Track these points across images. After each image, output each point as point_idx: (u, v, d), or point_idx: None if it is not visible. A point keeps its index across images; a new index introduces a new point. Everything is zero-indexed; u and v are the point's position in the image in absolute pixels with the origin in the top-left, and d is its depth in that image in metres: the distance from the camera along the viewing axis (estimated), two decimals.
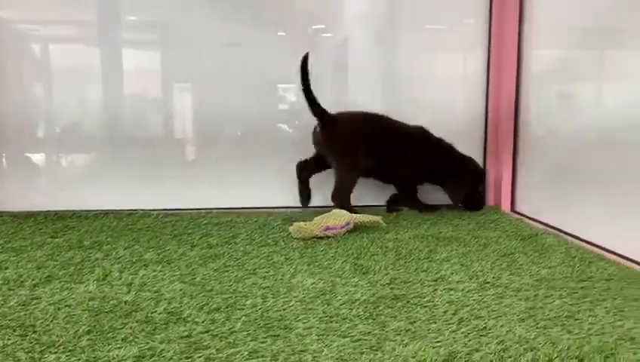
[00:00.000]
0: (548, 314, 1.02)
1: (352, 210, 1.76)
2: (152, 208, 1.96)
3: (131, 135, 2.04)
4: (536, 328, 0.96)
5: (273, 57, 2.08)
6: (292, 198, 2.02)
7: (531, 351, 0.86)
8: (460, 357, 0.84)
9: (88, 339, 0.89)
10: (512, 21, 2.00)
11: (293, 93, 2.13)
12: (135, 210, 1.94)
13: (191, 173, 2.06)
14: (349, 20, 2.18)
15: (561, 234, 1.65)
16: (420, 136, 1.98)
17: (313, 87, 1.86)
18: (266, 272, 1.27)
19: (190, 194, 2.04)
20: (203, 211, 1.95)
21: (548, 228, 1.73)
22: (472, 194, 2.01)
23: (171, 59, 2.09)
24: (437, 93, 2.16)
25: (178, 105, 2.11)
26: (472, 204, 2.01)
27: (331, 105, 1.97)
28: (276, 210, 2.00)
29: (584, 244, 1.53)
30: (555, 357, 0.84)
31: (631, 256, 1.37)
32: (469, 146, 2.12)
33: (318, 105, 1.86)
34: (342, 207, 1.74)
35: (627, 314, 1.02)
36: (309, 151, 2.04)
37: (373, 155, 1.90)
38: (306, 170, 1.97)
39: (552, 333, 0.94)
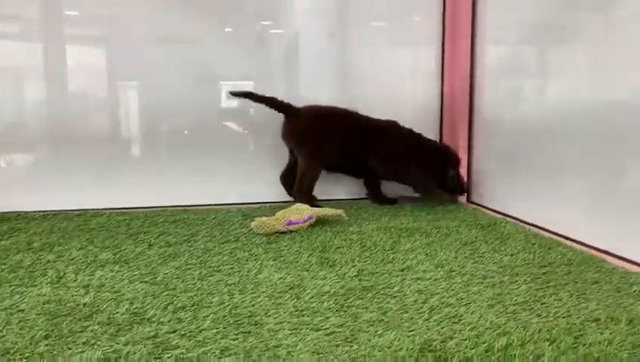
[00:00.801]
0: (515, 300, 1.04)
1: (313, 203, 1.74)
2: (103, 207, 1.87)
3: (76, 134, 1.94)
4: (506, 313, 0.97)
5: (221, 54, 2.04)
6: (247, 195, 1.99)
7: (504, 335, 0.87)
8: (436, 345, 0.84)
9: (46, 345, 0.83)
10: (465, 17, 2.04)
11: (242, 89, 2.08)
12: (85, 209, 1.85)
13: (140, 171, 1.99)
14: (299, 15, 2.15)
15: (518, 222, 1.69)
16: (389, 130, 1.97)
17: (265, 82, 1.83)
18: (231, 269, 1.24)
19: (141, 192, 1.97)
20: (158, 209, 1.88)
21: (505, 217, 1.76)
22: (446, 179, 1.98)
23: (116, 56, 2.00)
24: (392, 88, 2.16)
25: (124, 103, 2.03)
26: (450, 188, 1.99)
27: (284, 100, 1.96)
28: (231, 206, 1.95)
29: (541, 231, 1.57)
30: (528, 341, 0.85)
31: (584, 241, 1.41)
32: None
33: (277, 101, 1.87)
34: (304, 201, 1.72)
35: (589, 297, 1.05)
36: (259, 146, 2.02)
37: (338, 149, 1.89)
38: (289, 178, 1.95)
39: (522, 317, 0.95)
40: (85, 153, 1.95)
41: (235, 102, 2.09)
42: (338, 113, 1.95)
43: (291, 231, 1.56)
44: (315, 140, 1.87)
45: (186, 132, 2.05)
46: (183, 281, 1.15)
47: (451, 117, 2.16)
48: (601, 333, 0.87)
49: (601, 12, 1.44)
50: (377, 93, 2.14)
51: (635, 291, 1.07)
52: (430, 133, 2.17)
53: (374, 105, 2.08)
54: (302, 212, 1.62)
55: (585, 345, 0.84)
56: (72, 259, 1.30)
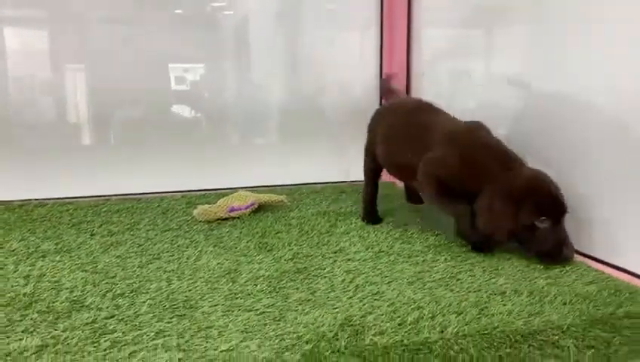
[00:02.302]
0: (434, 277, 1.13)
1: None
2: (46, 197, 1.87)
3: (18, 120, 1.92)
4: (423, 289, 1.06)
5: (170, 36, 2.03)
6: (193, 182, 2.02)
7: (418, 309, 0.96)
8: (355, 320, 0.92)
9: None
10: (402, 1, 2.11)
11: (193, 73, 2.11)
12: (28, 200, 1.85)
13: (86, 159, 1.99)
14: None
15: None
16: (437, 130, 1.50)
17: (216, 65, 1.84)
18: (171, 256, 1.28)
19: (86, 181, 1.97)
20: (101, 198, 1.90)
21: None
22: (529, 231, 1.23)
23: (61, 38, 1.97)
24: (335, 72, 2.22)
25: (70, 87, 2.01)
26: (537, 248, 1.23)
27: (235, 84, 1.99)
28: (176, 194, 1.99)
29: None
30: (438, 313, 0.94)
31: None
32: (365, 126, 2.22)
33: None
34: None
35: (500, 272, 1.16)
36: (211, 132, 2.05)
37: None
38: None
39: (437, 293, 1.04)
40: (28, 141, 1.93)
41: (187, 86, 2.10)
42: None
43: (233, 218, 1.62)
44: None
45: (136, 115, 2.05)
46: (123, 269, 1.19)
47: None
48: (504, 305, 0.98)
49: None
50: (321, 77, 2.20)
51: (541, 266, 1.19)
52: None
53: (319, 89, 2.15)
54: (244, 198, 1.67)
55: (487, 315, 0.93)
56: (13, 251, 1.32)
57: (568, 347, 0.82)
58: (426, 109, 1.52)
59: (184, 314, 0.96)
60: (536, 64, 1.48)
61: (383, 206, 1.77)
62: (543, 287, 1.06)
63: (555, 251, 1.19)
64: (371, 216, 1.61)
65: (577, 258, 1.23)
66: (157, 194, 1.97)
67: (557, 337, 0.86)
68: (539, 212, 1.18)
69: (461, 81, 1.92)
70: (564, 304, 0.98)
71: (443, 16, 1.98)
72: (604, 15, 1.23)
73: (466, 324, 0.90)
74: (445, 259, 1.25)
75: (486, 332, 0.88)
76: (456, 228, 1.34)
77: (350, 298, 1.03)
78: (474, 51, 1.82)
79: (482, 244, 1.29)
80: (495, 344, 0.84)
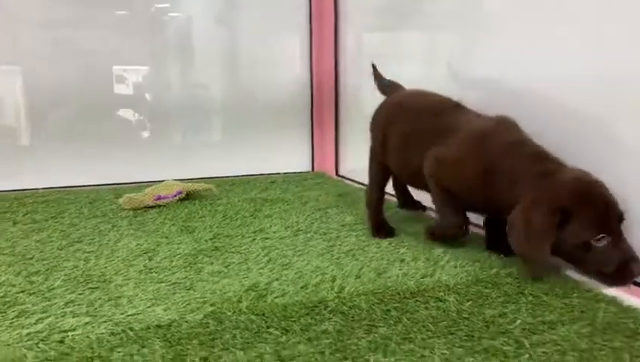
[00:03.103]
0: (343, 249, 1.21)
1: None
2: None
3: None
4: (331, 259, 1.14)
5: (113, 37, 2.04)
6: (122, 174, 2.04)
7: (321, 275, 1.03)
8: (262, 286, 0.98)
9: None
10: (329, 2, 2.20)
11: (136, 75, 2.12)
12: None
13: (19, 154, 1.97)
14: (192, 0, 2.20)
15: None
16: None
17: (159, 67, 1.86)
18: (92, 240, 1.31)
19: (16, 175, 1.95)
20: (29, 191, 1.89)
21: (363, 186, 1.95)
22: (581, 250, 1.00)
23: None
24: (269, 71, 2.29)
25: (5, 89, 1.99)
26: (594, 268, 1.00)
27: (179, 85, 2.03)
28: (108, 187, 1.99)
29: (389, 197, 1.76)
30: (339, 278, 1.01)
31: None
32: (298, 120, 2.31)
33: None
34: None
35: (405, 244, 1.24)
36: (153, 130, 2.08)
37: None
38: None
39: (343, 262, 1.12)
40: None
41: (130, 89, 2.11)
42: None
43: (160, 206, 1.65)
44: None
45: (73, 114, 2.04)
46: (41, 252, 1.21)
47: (320, 99, 2.32)
48: (400, 269, 1.06)
49: None
50: (257, 76, 2.26)
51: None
52: (303, 114, 2.33)
53: (254, 87, 2.22)
54: (171, 187, 1.71)
55: (384, 278, 1.01)
56: None
57: (450, 301, 0.91)
58: (452, 108, 1.25)
59: (97, 287, 0.99)
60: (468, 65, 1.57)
61: (310, 193, 1.85)
62: (439, 254, 1.15)
63: (620, 272, 0.95)
64: (383, 229, 1.34)
65: (475, 230, 1.33)
66: (87, 188, 1.97)
67: (442, 293, 0.94)
68: (595, 228, 0.94)
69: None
70: (455, 267, 1.07)
71: (369, 18, 2.07)
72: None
73: (362, 285, 0.98)
74: (357, 235, 1.33)
75: (379, 291, 0.95)
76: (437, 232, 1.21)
77: (261, 269, 1.09)
78: (401, 52, 1.92)
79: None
80: (385, 300, 0.92)
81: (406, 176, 1.38)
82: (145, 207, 1.63)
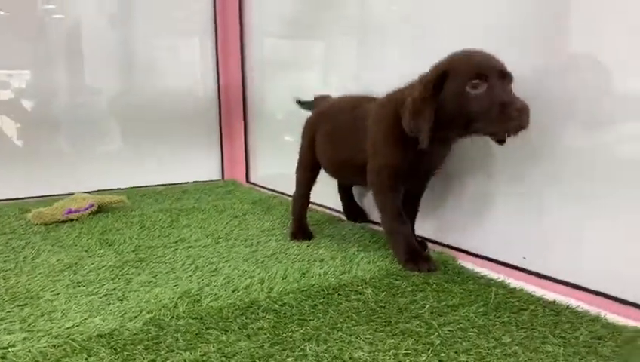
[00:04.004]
0: (266, 253, 1.29)
1: None
2: None
3: None
4: (256, 263, 1.21)
5: None
6: (25, 188, 1.96)
7: (249, 278, 1.10)
8: (194, 292, 1.04)
9: None
10: (233, 11, 2.26)
11: (18, 79, 2.04)
12: None
13: None
14: (81, 2, 2.14)
15: (285, 196, 1.98)
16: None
17: (44, 71, 1.81)
18: (6, 257, 1.28)
19: None
20: None
21: (275, 193, 2.04)
22: None
23: None
24: (172, 78, 2.30)
25: None
26: None
27: (67, 90, 1.98)
28: (8, 202, 1.91)
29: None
30: (266, 279, 1.09)
31: (330, 206, 1.75)
32: (207, 129, 2.34)
33: None
34: None
35: (322, 245, 1.35)
36: (44, 137, 2.01)
37: None
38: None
39: (268, 264, 1.20)
40: None
41: (8, 95, 2.02)
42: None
43: (72, 220, 1.62)
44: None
45: None
46: None
47: (228, 107, 2.38)
48: (321, 268, 1.16)
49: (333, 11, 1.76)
50: (159, 82, 2.26)
51: (356, 237, 1.40)
52: (212, 122, 2.37)
53: (157, 94, 2.22)
54: (82, 200, 1.68)
55: (307, 277, 1.11)
56: None
57: (368, 293, 1.03)
58: (366, 100, 1.34)
59: (25, 304, 0.99)
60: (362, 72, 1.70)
61: (225, 201, 1.90)
62: (354, 253, 1.27)
63: (501, 115, 0.98)
64: (304, 232, 1.44)
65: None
66: None
67: (360, 287, 1.06)
68: (467, 76, 1.01)
69: (294, 88, 2.11)
70: (369, 263, 1.19)
71: (274, 26, 2.16)
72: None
73: (289, 284, 1.07)
74: (277, 239, 1.41)
75: (305, 288, 1.05)
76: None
77: (190, 276, 1.14)
78: (305, 60, 2.03)
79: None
80: (312, 296, 1.01)
81: (335, 169, 1.44)
82: (56, 222, 1.60)
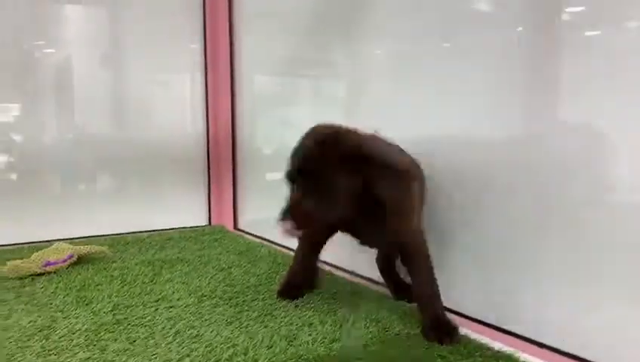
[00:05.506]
0: (251, 315, 1.22)
1: None
2: None
3: None
4: (240, 328, 1.14)
5: None
6: (4, 235, 1.89)
7: (232, 347, 1.04)
8: None
9: None
10: (224, 49, 2.24)
11: (6, 114, 1.99)
12: None
13: None
14: (72, 38, 2.11)
15: (273, 245, 1.92)
16: None
17: (34, 107, 1.77)
18: None
19: None
20: None
21: (263, 241, 1.98)
22: None
23: None
24: (162, 116, 2.27)
25: None
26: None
27: (55, 128, 1.93)
28: None
29: (289, 252, 1.81)
30: (251, 349, 1.03)
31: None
32: (194, 171, 2.30)
33: None
34: None
35: (311, 306, 1.28)
36: (25, 178, 1.95)
37: None
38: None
39: (252, 330, 1.13)
40: None
41: None
42: None
43: (49, 272, 1.55)
44: None
45: None
46: None
47: (217, 149, 2.34)
48: (310, 334, 1.10)
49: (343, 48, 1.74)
50: (148, 121, 2.24)
51: (345, 297, 1.34)
52: (200, 165, 2.32)
53: (144, 134, 2.18)
54: (61, 251, 1.62)
55: (295, 345, 1.05)
56: None
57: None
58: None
59: None
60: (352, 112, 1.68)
61: (210, 251, 1.84)
62: (343, 316, 1.21)
63: None
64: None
65: (374, 287, 1.42)
66: None
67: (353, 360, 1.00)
68: None
69: (284, 127, 2.08)
70: (360, 329, 1.13)
71: (264, 64, 2.13)
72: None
73: (275, 356, 1.00)
74: (263, 297, 1.35)
75: (292, 360, 0.98)
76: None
77: (169, 343, 1.07)
78: (295, 99, 2.01)
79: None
80: None
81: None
82: (32, 275, 1.52)
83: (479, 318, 1.21)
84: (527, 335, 1.11)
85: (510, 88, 1.13)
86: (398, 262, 1.31)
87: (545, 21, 1.07)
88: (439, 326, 1.09)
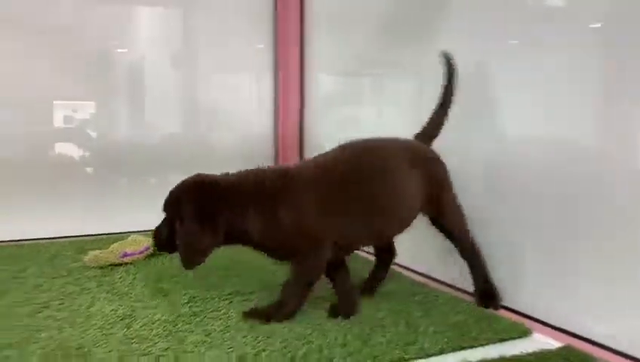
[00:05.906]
0: (322, 314, 1.22)
1: None
2: None
3: None
4: (312, 325, 1.14)
5: (56, 71, 1.99)
6: (82, 226, 1.98)
7: (307, 344, 1.04)
8: (250, 358, 0.98)
9: None
10: (295, 49, 2.26)
11: (82, 111, 2.09)
12: None
13: None
14: (145, 39, 2.19)
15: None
16: None
17: (107, 107, 1.86)
18: (61, 304, 1.26)
19: None
20: None
21: None
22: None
23: None
24: (231, 116, 2.31)
25: None
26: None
27: (128, 126, 2.00)
28: (66, 239, 1.93)
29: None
30: (325, 347, 1.02)
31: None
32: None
33: None
34: None
35: (383, 307, 1.26)
36: (101, 173, 2.03)
37: None
38: None
39: (325, 328, 1.13)
40: None
41: (74, 123, 2.06)
42: None
43: (127, 263, 1.61)
44: None
45: (14, 156, 1.95)
46: (8, 319, 1.16)
47: (285, 150, 2.36)
48: (383, 336, 1.08)
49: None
50: (217, 120, 2.28)
51: (416, 299, 1.32)
52: (267, 162, 2.34)
53: (215, 132, 2.24)
54: (138, 243, 1.67)
55: (369, 346, 1.03)
56: None
57: None
58: None
59: None
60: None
61: None
62: (418, 319, 1.18)
63: None
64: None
65: (446, 290, 1.39)
66: (43, 240, 1.89)
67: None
68: None
69: (351, 126, 2.07)
70: (436, 333, 1.11)
71: (333, 64, 2.13)
72: None
73: (349, 355, 0.99)
74: (331, 294, 1.34)
75: (368, 361, 0.97)
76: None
77: (245, 337, 1.08)
78: (362, 98, 1.99)
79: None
80: None
81: None
82: (111, 265, 1.58)
83: None
84: None
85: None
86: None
87: None
88: None
